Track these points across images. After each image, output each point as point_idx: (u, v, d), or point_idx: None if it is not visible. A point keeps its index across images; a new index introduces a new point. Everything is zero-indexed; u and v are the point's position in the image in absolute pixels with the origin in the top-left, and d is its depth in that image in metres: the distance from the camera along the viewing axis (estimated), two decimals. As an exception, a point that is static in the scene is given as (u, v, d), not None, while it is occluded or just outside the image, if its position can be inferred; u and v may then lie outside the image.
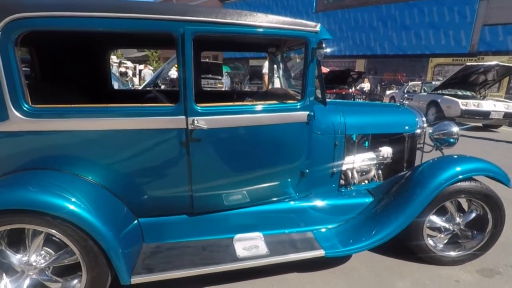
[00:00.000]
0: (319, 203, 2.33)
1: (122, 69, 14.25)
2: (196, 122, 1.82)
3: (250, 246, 2.05)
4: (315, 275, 2.14)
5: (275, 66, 3.18)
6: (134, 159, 1.89)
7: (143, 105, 1.84)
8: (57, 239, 1.67)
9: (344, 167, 2.52)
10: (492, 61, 8.35)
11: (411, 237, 2.19)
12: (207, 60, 18.86)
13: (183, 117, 1.82)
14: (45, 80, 2.48)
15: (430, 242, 2.23)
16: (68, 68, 2.55)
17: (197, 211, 2.09)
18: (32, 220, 1.57)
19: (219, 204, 2.11)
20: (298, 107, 2.04)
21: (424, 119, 2.68)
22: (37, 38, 2.09)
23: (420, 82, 11.59)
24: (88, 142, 1.79)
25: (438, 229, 2.31)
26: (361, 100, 10.61)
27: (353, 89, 11.37)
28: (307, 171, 2.19)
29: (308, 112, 2.05)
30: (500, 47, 13.57)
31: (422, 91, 10.32)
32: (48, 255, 1.71)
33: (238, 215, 2.17)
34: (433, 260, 2.23)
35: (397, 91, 13.14)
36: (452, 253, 2.24)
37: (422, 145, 2.73)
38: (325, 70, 14.55)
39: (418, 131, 2.65)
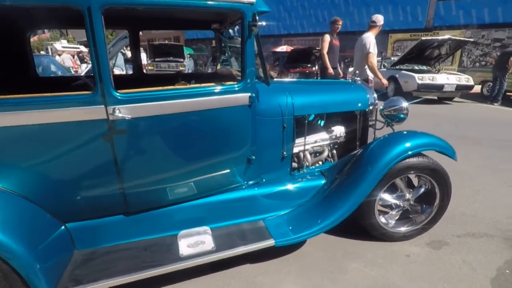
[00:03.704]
0: (270, 189, 2.22)
1: (128, 54, 12.92)
2: (117, 111, 1.58)
3: (195, 242, 1.90)
4: (268, 264, 2.05)
5: (222, 44, 2.95)
6: (51, 159, 1.63)
7: (52, 94, 1.56)
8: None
9: (295, 150, 2.41)
10: (445, 36, 8.61)
11: (364, 216, 2.16)
12: (166, 41, 17.95)
13: (102, 106, 1.58)
14: None
15: (382, 219, 2.21)
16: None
17: (133, 210, 1.89)
18: None
19: (158, 200, 1.92)
20: (238, 88, 1.85)
21: (375, 95, 2.61)
22: None
23: (380, 58, 11.78)
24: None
25: (390, 206, 2.30)
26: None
27: (317, 67, 11.30)
28: (254, 157, 2.05)
29: (249, 94, 1.88)
30: (453, 21, 14.09)
31: (382, 67, 10.51)
32: None
33: (182, 210, 2.00)
34: (385, 237, 2.23)
35: (359, 67, 13.30)
36: (402, 229, 2.24)
37: (374, 122, 2.69)
38: (288, 48, 14.40)
39: (370, 107, 2.59)
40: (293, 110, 2.22)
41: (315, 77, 10.34)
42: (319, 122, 2.66)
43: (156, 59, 12.98)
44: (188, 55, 15.48)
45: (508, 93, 9.38)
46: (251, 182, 2.18)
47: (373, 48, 4.21)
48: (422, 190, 2.25)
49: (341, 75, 5.83)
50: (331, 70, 5.27)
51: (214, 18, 2.46)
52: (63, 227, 1.76)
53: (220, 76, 2.53)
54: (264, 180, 2.27)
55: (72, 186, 1.72)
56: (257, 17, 1.70)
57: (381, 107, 2.55)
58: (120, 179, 1.75)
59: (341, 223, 2.04)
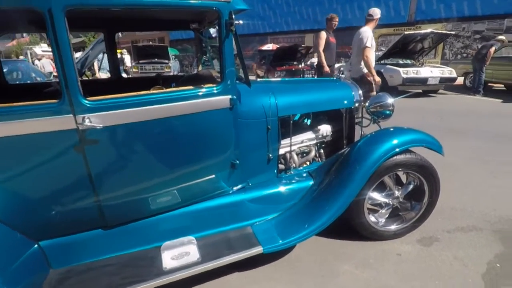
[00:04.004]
0: (257, 193, 2.14)
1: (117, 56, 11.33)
2: (87, 120, 1.48)
3: (180, 253, 1.81)
4: (258, 272, 1.97)
5: (203, 45, 2.86)
6: (18, 174, 1.52)
7: (15, 104, 1.44)
8: None
9: (281, 151, 2.35)
10: (427, 29, 8.71)
11: (353, 216, 2.11)
12: (150, 43, 17.65)
13: (71, 115, 1.47)
14: None
15: (372, 218, 2.17)
16: None
17: (112, 223, 1.79)
18: None
19: (138, 212, 1.83)
20: (218, 91, 1.77)
21: (360, 92, 2.56)
22: None
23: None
24: None
25: (379, 205, 2.26)
26: (311, 75, 10.60)
27: (303, 64, 11.31)
28: (238, 162, 1.97)
29: (230, 96, 1.80)
30: (434, 15, 14.34)
31: (366, 63, 10.55)
32: None
33: (165, 220, 1.90)
34: (375, 236, 2.19)
35: (344, 64, 13.38)
36: (393, 227, 2.21)
37: (360, 120, 2.64)
38: (274, 46, 14.35)
39: (356, 105, 2.54)
40: (277, 110, 2.15)
41: (301, 75, 10.33)
42: (305, 121, 2.60)
43: (140, 61, 12.72)
44: (173, 56, 15.24)
45: (490, 84, 9.59)
46: (236, 187, 2.10)
47: (370, 42, 4.03)
48: (411, 187, 2.22)
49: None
50: (327, 68, 5.01)
51: (192, 18, 2.36)
52: (36, 245, 1.65)
53: (201, 78, 2.44)
54: (250, 184, 2.19)
55: (43, 202, 1.60)
56: (233, 16, 1.62)
57: (367, 104, 2.51)
58: (95, 192, 1.65)
59: (331, 224, 1.99)
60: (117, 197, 1.71)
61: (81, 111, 1.48)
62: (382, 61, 9.51)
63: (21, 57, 18.17)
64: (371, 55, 4.12)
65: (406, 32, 8.70)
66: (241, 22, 1.66)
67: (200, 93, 1.74)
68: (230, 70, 1.76)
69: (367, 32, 4.09)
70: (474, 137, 4.72)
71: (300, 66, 11.01)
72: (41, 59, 12.86)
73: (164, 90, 1.75)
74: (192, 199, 1.96)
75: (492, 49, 8.44)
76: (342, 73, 2.84)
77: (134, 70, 12.46)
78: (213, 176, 1.95)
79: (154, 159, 1.74)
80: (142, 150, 1.69)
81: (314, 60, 13.96)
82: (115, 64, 2.88)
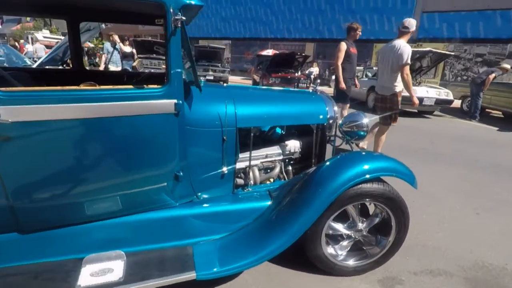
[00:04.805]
0: (205, 209, 1.92)
1: (127, 49, 9.44)
2: None
3: (101, 270, 1.58)
4: (194, 300, 1.75)
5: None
6: None
7: None
8: None
9: (241, 165, 2.13)
10: (426, 48, 8.56)
11: (309, 247, 1.89)
12: (150, 38, 17.48)
13: None
14: None
15: (330, 251, 1.95)
16: None
17: (28, 228, 1.56)
18: None
19: (61, 218, 1.60)
20: (161, 93, 1.56)
21: (335, 108, 2.36)
22: None
23: (362, 68, 11.71)
24: None
25: (340, 236, 2.04)
26: (305, 85, 10.38)
27: (299, 73, 11.13)
28: (181, 173, 1.75)
29: (175, 101, 1.59)
30: (437, 34, 14.21)
31: (364, 77, 10.42)
32: None
33: (94, 229, 1.68)
34: (333, 271, 1.96)
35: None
36: (352, 263, 1.98)
37: (333, 138, 2.43)
38: (273, 52, 14.20)
39: (330, 121, 2.33)
40: (235, 120, 1.94)
41: (296, 84, 10.14)
42: (275, 134, 2.39)
43: (138, 56, 12.54)
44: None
45: (487, 110, 9.42)
46: (182, 201, 1.88)
47: (410, 58, 3.63)
48: (377, 220, 2.00)
49: (358, 86, 5.37)
50: (343, 85, 4.52)
51: (152, 12, 2.15)
52: None
53: (160, 77, 2.22)
54: (200, 198, 1.97)
55: None
56: (171, 10, 1.42)
57: (340, 122, 2.31)
58: (5, 192, 1.43)
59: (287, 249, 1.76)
60: (32, 200, 1.50)
61: (-12, 102, 1.27)
62: (379, 77, 9.34)
63: (21, 41, 18.14)
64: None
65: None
66: (183, 18, 1.46)
67: (140, 94, 1.52)
68: (176, 71, 1.55)
69: (407, 48, 3.62)
70: (462, 166, 4.52)
71: (296, 74, 10.82)
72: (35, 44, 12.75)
73: (97, 87, 1.54)
74: (127, 210, 1.73)
75: (492, 76, 8.26)
76: (318, 85, 2.63)
77: (134, 64, 12.25)
78: (152, 187, 1.73)
79: (77, 163, 1.51)
80: (64, 152, 1.47)
81: (313, 69, 13.83)
82: (78, 54, 2.66)
